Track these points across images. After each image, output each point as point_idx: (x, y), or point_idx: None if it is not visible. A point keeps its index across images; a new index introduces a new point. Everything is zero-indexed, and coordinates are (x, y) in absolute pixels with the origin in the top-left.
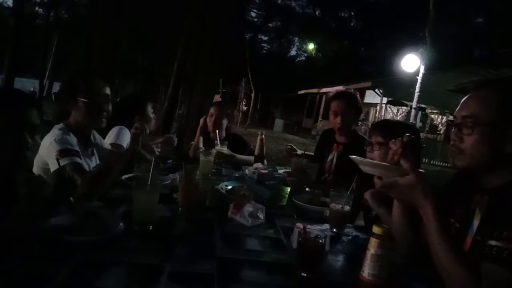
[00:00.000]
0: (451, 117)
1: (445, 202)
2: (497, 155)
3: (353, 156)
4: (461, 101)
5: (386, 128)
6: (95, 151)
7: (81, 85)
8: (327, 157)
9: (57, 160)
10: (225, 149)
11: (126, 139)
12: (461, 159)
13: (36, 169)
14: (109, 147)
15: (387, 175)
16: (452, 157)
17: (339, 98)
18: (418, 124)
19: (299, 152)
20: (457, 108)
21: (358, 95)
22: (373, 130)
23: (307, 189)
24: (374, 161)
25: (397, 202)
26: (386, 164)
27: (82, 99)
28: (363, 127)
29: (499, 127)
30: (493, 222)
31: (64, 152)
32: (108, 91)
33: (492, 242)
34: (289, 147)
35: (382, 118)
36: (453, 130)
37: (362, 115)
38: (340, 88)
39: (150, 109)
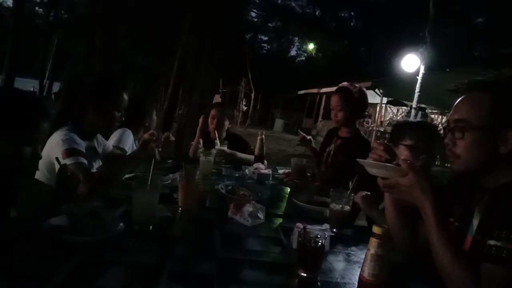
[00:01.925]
0: None
1: (445, 201)
2: (492, 157)
3: (360, 159)
4: (454, 105)
5: (416, 130)
6: (98, 152)
7: (115, 96)
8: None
9: (57, 159)
10: (225, 148)
11: (129, 141)
12: (456, 163)
13: (41, 167)
14: (111, 147)
15: (390, 176)
16: (449, 162)
17: (335, 93)
18: None
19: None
20: (450, 112)
21: (357, 90)
22: (401, 132)
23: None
24: (378, 163)
25: (388, 202)
26: (389, 165)
27: (115, 111)
28: (366, 125)
29: (491, 129)
30: (493, 222)
31: (70, 151)
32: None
33: (492, 242)
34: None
35: (382, 118)
36: (447, 135)
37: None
38: (344, 83)
39: (154, 112)
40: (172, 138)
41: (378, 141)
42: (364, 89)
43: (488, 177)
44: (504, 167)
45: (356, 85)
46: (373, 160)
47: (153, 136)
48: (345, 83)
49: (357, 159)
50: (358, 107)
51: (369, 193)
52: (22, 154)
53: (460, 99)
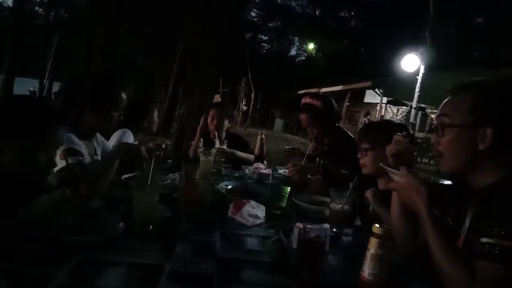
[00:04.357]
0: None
1: (441, 201)
2: (472, 154)
3: (383, 164)
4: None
5: (370, 132)
6: (98, 152)
7: (113, 97)
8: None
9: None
10: (225, 147)
11: (129, 142)
12: (441, 163)
13: None
14: (111, 147)
15: (396, 179)
16: (436, 164)
17: (301, 112)
18: (418, 124)
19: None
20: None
21: (321, 101)
22: (360, 136)
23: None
24: (390, 169)
25: (394, 202)
26: (396, 171)
27: (113, 111)
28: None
29: (470, 126)
30: (484, 220)
31: (68, 151)
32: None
33: (484, 239)
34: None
35: (383, 118)
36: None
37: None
38: (306, 98)
39: (156, 113)
40: (167, 143)
41: (401, 134)
42: (327, 96)
43: (474, 177)
44: (489, 168)
45: (320, 91)
46: (397, 151)
47: (160, 148)
48: (307, 99)
49: (381, 164)
50: (329, 116)
51: (378, 189)
52: (36, 160)
53: (444, 100)
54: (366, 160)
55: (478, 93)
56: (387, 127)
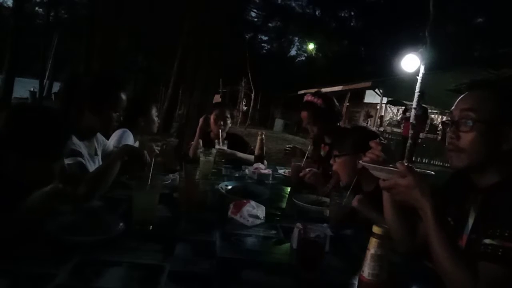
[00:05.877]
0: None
1: (442, 201)
2: (493, 153)
3: (362, 162)
4: (458, 100)
5: (340, 139)
6: (98, 153)
7: (113, 97)
8: None
9: None
10: (225, 148)
11: (128, 142)
12: (460, 158)
13: None
14: (112, 147)
15: (389, 178)
16: (450, 158)
17: (302, 110)
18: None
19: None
20: (454, 106)
21: (322, 99)
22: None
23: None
24: (378, 166)
25: (387, 203)
26: (388, 168)
27: (112, 112)
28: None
29: (496, 125)
30: (487, 221)
31: (68, 152)
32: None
33: (487, 241)
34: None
35: (383, 118)
36: (449, 128)
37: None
38: (308, 96)
39: (154, 112)
40: (174, 141)
41: (375, 141)
42: (329, 95)
43: (482, 176)
44: (498, 166)
45: (321, 90)
46: (370, 159)
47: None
48: (308, 96)
49: (360, 162)
50: (329, 115)
51: (364, 195)
52: (51, 170)
53: (464, 95)
54: (335, 167)
55: (498, 93)
56: (355, 134)
